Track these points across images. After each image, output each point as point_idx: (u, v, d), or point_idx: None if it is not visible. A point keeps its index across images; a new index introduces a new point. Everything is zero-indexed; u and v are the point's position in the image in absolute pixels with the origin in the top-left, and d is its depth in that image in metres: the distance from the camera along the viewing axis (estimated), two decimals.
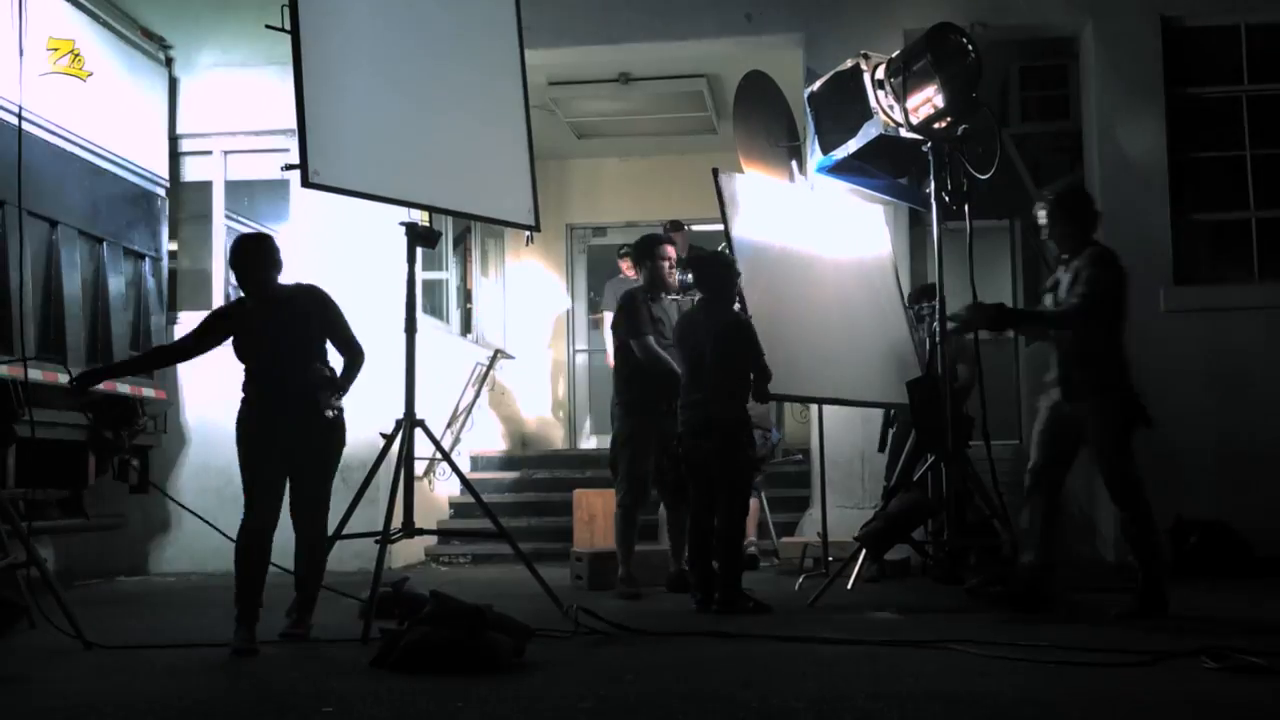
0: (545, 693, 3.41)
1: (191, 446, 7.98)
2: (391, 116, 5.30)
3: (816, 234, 6.56)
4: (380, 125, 5.25)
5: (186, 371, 8.02)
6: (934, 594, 5.98)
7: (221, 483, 7.97)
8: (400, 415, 5.24)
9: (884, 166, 6.24)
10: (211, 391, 8.04)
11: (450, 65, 5.62)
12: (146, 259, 7.57)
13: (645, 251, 6.42)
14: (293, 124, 4.92)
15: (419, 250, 5.39)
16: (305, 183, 4.83)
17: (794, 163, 7.72)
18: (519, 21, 5.96)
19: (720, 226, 11.82)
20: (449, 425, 8.99)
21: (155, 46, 7.86)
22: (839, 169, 6.31)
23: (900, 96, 5.64)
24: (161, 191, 7.80)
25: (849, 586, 5.89)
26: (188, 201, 8.39)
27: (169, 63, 8.09)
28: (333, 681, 3.55)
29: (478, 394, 9.53)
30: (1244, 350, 7.21)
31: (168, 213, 7.88)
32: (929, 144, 5.61)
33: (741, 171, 7.80)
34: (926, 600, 5.71)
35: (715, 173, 6.24)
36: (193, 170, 8.41)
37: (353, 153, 5.09)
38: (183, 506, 6.12)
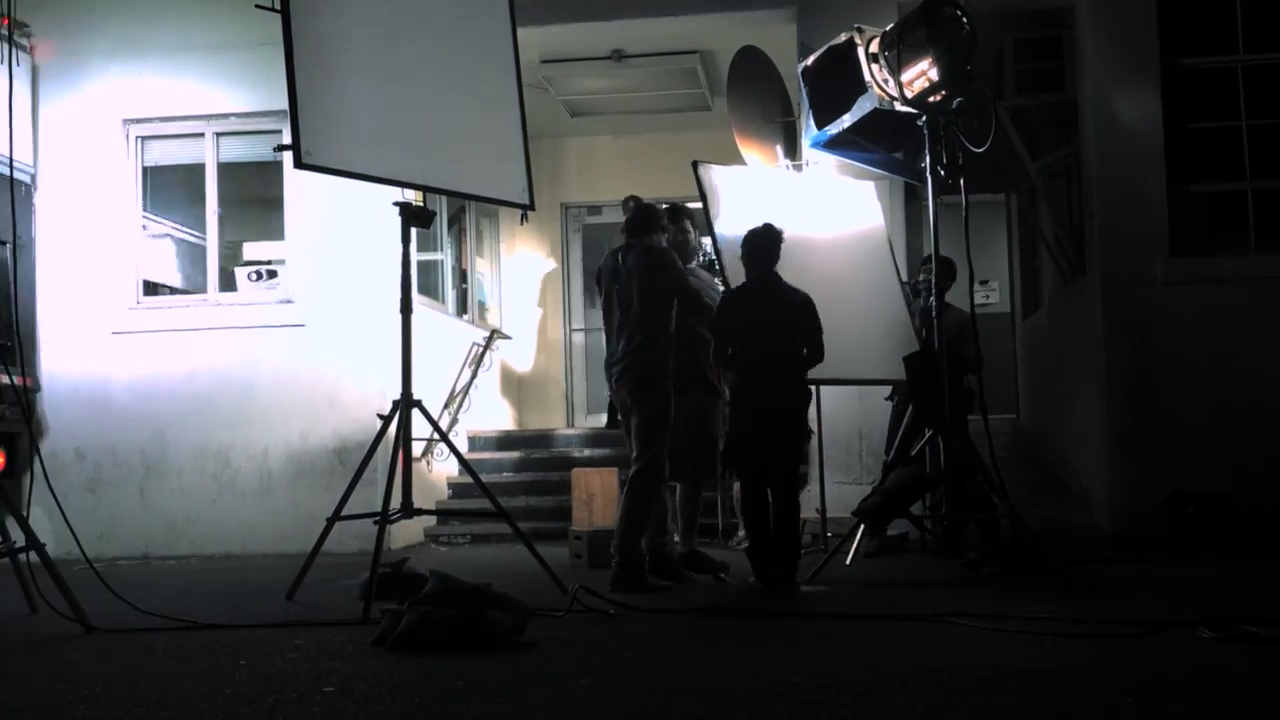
0: (546, 670, 3.41)
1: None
2: (384, 96, 5.26)
3: (806, 215, 6.54)
4: (373, 105, 5.21)
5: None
6: (933, 568, 5.99)
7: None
8: (397, 396, 5.23)
9: (879, 141, 6.22)
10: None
11: (442, 44, 5.58)
12: (6, 246, 7.56)
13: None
14: (285, 105, 4.89)
15: (414, 230, 5.37)
16: (298, 164, 4.81)
17: (778, 146, 7.69)
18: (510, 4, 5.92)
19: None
20: (446, 406, 8.99)
21: (20, 33, 7.80)
22: (834, 144, 6.29)
23: (895, 70, 5.62)
24: (27, 178, 7.82)
25: (848, 562, 5.91)
26: (180, 184, 8.36)
27: (31, 49, 8.04)
28: (334, 662, 3.56)
29: (474, 374, 9.52)
30: (1240, 321, 7.20)
31: (34, 198, 7.91)
32: (924, 118, 5.59)
33: (736, 147, 7.79)
34: (925, 574, 5.73)
35: (695, 165, 6.21)
36: (185, 153, 8.38)
37: (345, 133, 5.06)
38: None
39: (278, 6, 4.83)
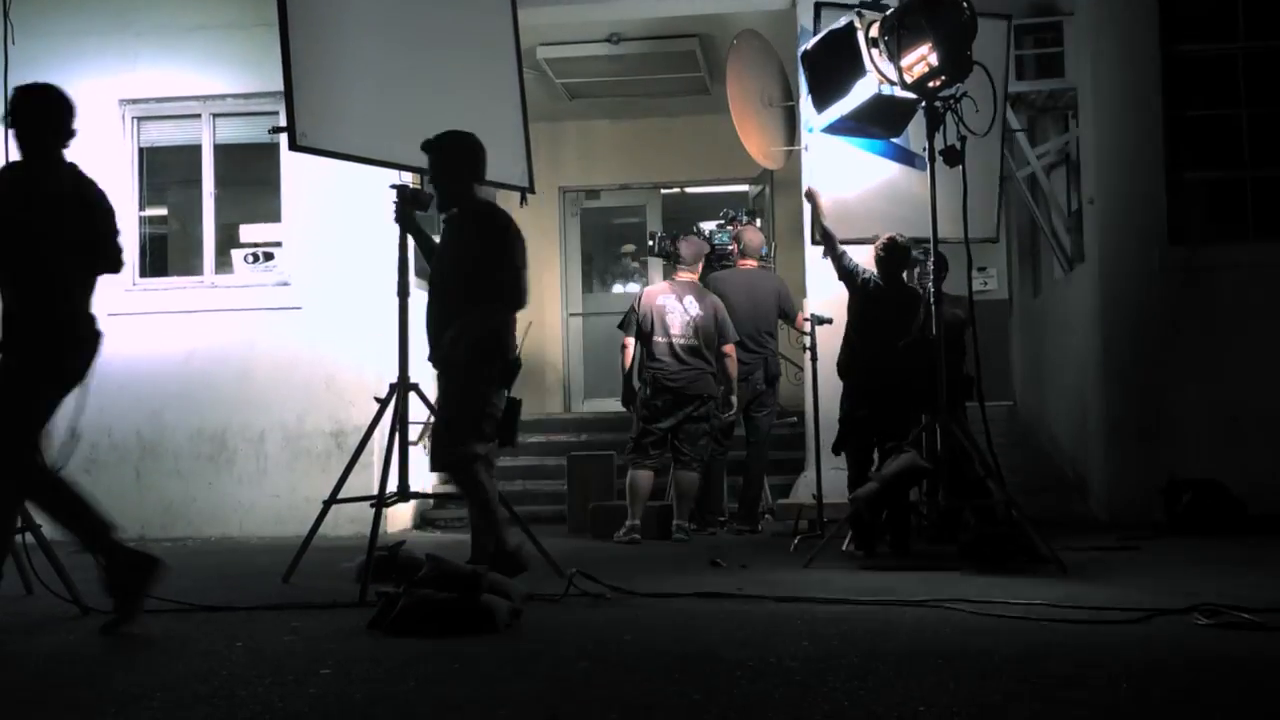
0: (542, 653, 3.42)
1: None
2: (381, 78, 5.25)
3: None
4: (369, 87, 5.20)
5: None
6: (928, 553, 6.00)
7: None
8: (394, 380, 5.23)
9: (879, 125, 6.19)
10: None
11: (442, 25, 5.57)
12: None
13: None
14: (282, 86, 4.88)
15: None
16: (293, 146, 4.79)
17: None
18: None
19: (716, 189, 11.77)
20: None
21: None
22: (833, 128, 6.26)
23: (894, 55, 5.59)
24: None
25: (844, 548, 5.92)
26: (177, 166, 8.32)
27: None
28: (330, 644, 3.56)
29: None
30: (1238, 309, 7.21)
31: None
32: (924, 103, 5.57)
33: (734, 131, 7.78)
34: (921, 560, 5.73)
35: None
36: (181, 134, 8.35)
37: (341, 115, 5.04)
38: None
39: None
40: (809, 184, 6.56)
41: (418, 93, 5.36)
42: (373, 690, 2.91)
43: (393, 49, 5.30)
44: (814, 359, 6.76)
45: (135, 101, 8.25)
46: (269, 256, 8.28)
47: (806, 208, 8.00)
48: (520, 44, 5.88)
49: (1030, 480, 7.94)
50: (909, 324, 6.14)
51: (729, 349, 7.02)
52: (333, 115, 4.98)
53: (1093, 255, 7.58)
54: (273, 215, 8.25)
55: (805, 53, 6.35)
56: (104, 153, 8.19)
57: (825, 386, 6.95)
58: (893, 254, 6.16)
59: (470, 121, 5.58)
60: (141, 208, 8.35)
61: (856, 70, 5.73)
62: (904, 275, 6.28)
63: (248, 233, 8.47)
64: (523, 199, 6.12)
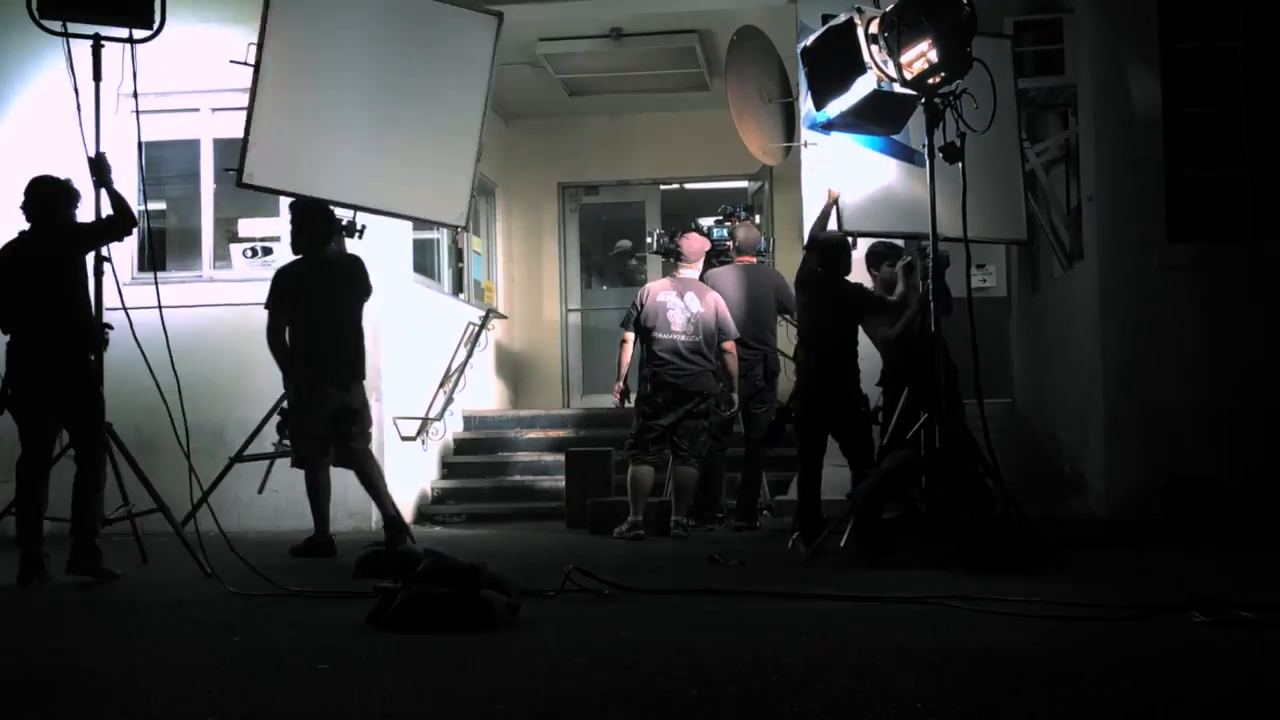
0: (541, 649, 3.42)
1: None
2: (339, 123, 6.02)
3: None
4: (324, 131, 5.97)
5: None
6: (926, 550, 6.00)
7: None
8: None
9: (878, 122, 6.19)
10: None
11: (414, 73, 6.25)
12: None
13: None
14: None
15: None
16: (239, 184, 5.78)
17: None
18: (495, 43, 6.45)
19: (716, 185, 11.78)
20: (442, 385, 8.98)
21: None
22: (832, 125, 6.26)
23: (894, 51, 5.58)
24: None
25: (842, 544, 5.92)
26: (175, 160, 8.29)
27: None
28: (328, 638, 3.57)
29: (470, 353, 9.51)
30: (1237, 306, 7.20)
31: None
32: (923, 99, 5.57)
33: (733, 127, 7.76)
34: (919, 557, 5.73)
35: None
36: (180, 128, 8.33)
37: (292, 157, 5.84)
38: None
39: (252, 62, 5.72)
40: (831, 186, 6.54)
41: (370, 135, 6.06)
42: (371, 686, 2.91)
43: (360, 97, 6.02)
44: None
45: (135, 95, 8.21)
46: (268, 251, 8.27)
47: (806, 205, 8.02)
48: (491, 92, 6.46)
49: (1028, 477, 7.94)
50: (847, 319, 6.21)
51: (729, 345, 7.03)
52: (283, 157, 5.72)
53: (1092, 252, 7.58)
54: (272, 210, 8.23)
55: (805, 49, 6.34)
56: (103, 148, 8.17)
57: None
58: (832, 251, 6.24)
59: (416, 162, 6.28)
60: (140, 202, 8.33)
61: (856, 67, 5.72)
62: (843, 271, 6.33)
63: (246, 227, 8.46)
64: (455, 236, 6.72)
